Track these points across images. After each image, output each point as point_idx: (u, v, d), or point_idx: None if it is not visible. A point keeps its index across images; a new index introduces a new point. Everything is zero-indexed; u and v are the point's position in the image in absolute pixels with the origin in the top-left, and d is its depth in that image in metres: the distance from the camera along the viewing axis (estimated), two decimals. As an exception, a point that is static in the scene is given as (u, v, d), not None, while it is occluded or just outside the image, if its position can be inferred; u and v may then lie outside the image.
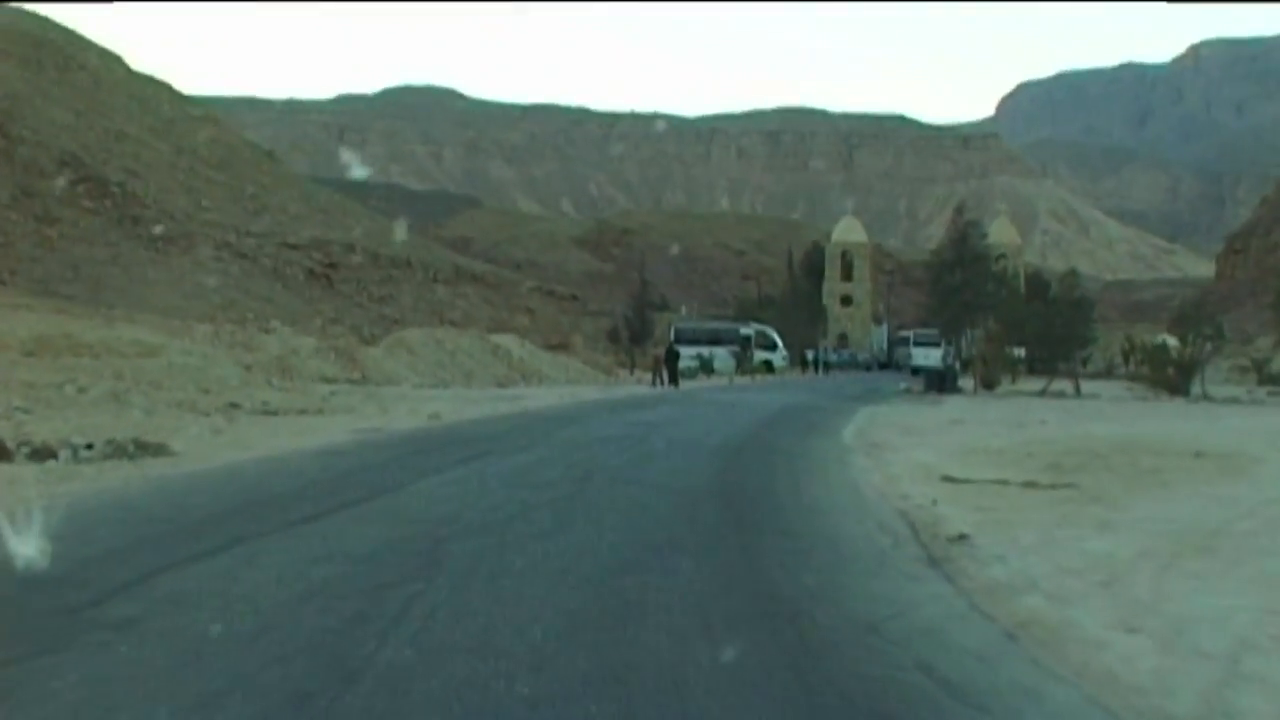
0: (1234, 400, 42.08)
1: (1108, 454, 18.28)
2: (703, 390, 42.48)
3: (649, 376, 46.36)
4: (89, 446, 14.77)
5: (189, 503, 10.73)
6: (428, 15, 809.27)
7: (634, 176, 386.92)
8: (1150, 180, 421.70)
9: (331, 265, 52.89)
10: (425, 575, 7.45)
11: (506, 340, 47.34)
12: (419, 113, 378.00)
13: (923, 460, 18.18)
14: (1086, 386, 47.16)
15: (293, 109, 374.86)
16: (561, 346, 56.71)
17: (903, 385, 50.98)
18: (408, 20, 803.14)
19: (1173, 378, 47.00)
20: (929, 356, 77.21)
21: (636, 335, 79.62)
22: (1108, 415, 31.48)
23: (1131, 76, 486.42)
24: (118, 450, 14.67)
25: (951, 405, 36.31)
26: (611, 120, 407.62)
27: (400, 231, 62.80)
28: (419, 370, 40.35)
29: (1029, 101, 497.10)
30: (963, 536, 10.50)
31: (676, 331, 70.40)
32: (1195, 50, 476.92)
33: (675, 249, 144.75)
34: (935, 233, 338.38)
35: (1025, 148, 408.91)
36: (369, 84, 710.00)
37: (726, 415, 27.67)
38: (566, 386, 42.37)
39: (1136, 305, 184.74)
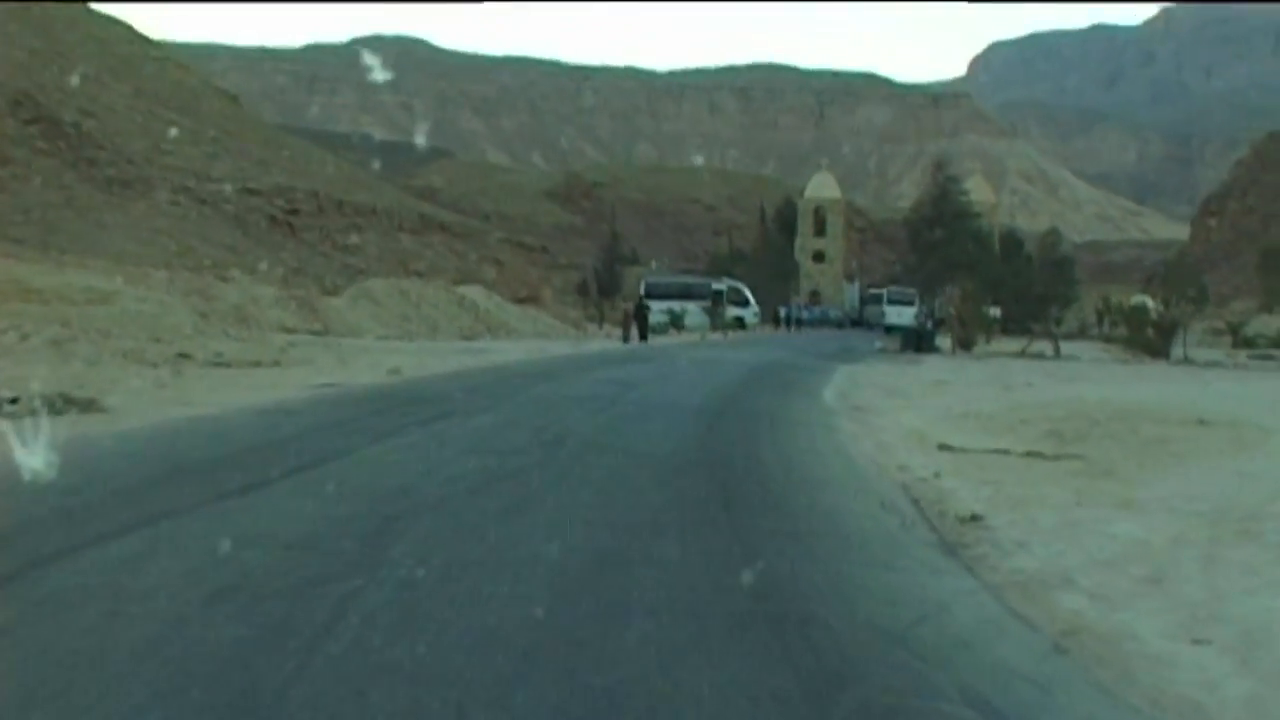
0: (1216, 364, 41.31)
1: (1106, 421, 17.24)
2: (675, 347, 41.36)
3: (619, 331, 45.14)
4: (13, 401, 13.51)
5: (104, 470, 9.47)
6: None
7: (605, 130, 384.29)
8: (1119, 142, 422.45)
9: (294, 212, 51.14)
10: (367, 567, 6.27)
11: (473, 292, 46.01)
12: (389, 63, 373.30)
13: (912, 425, 17.16)
14: (1064, 348, 46.28)
15: (262, 57, 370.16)
16: (530, 299, 55.40)
17: (878, 344, 50.05)
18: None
19: (1153, 340, 46.26)
20: (902, 315, 76.34)
21: (606, 289, 78.38)
22: (1093, 378, 30.56)
23: (1102, 38, 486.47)
24: (46, 405, 13.40)
25: (931, 365, 35.36)
26: (583, 73, 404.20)
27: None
28: (383, 322, 39.05)
29: (1000, 62, 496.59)
30: (975, 517, 9.43)
31: (647, 286, 69.12)
32: (1166, 13, 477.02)
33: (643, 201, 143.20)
34: (906, 191, 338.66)
35: (996, 108, 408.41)
36: (339, 33, 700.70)
37: (702, 374, 26.55)
38: (534, 340, 41.18)
39: (1106, 266, 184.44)
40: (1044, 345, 44.39)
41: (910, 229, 45.50)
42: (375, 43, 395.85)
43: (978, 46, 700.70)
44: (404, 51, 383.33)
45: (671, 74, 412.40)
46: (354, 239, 52.22)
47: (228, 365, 23.05)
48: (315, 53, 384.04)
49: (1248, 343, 58.70)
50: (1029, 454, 13.79)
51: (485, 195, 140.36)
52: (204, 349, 25.13)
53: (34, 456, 8.11)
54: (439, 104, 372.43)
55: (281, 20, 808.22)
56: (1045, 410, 19.12)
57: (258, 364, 23.77)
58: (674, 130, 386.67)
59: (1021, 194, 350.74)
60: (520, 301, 52.00)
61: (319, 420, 13.77)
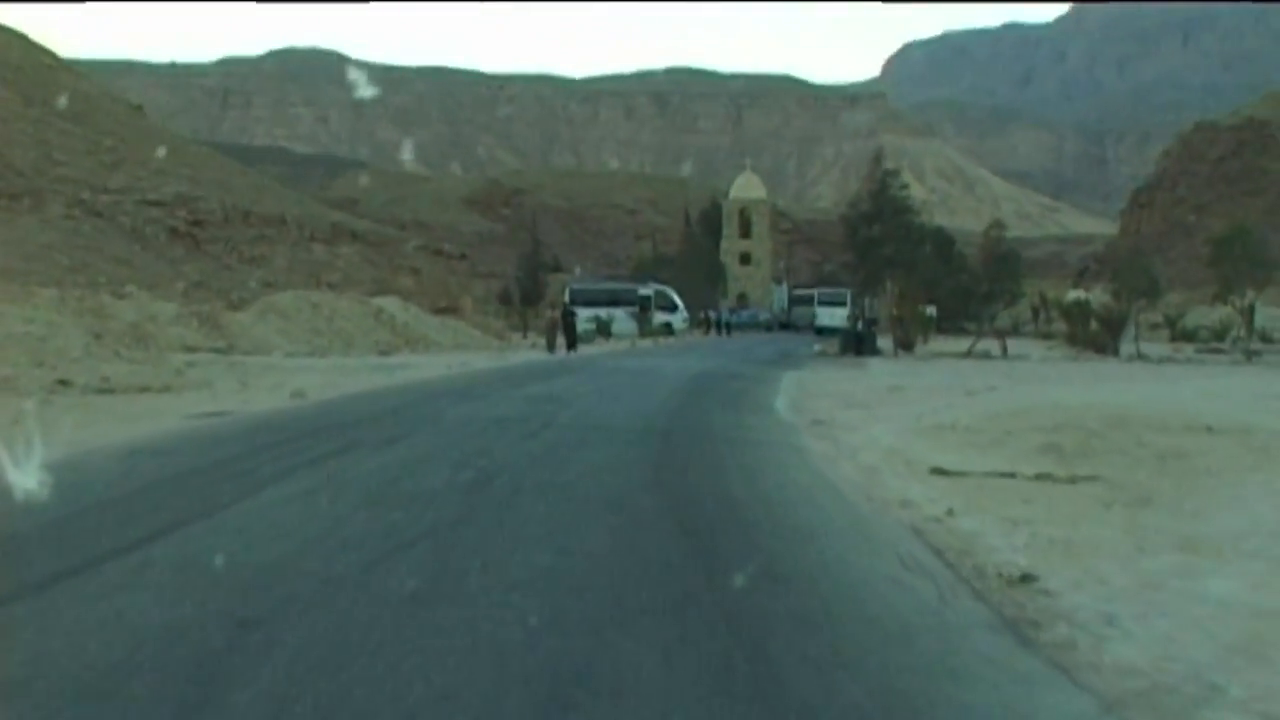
0: (1169, 359, 39.95)
1: (1103, 430, 15.32)
2: (604, 356, 39.05)
3: (544, 341, 42.72)
4: None
5: None
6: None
7: (522, 138, 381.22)
8: (1034, 139, 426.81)
9: (197, 224, 47.99)
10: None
11: (389, 303, 43.39)
12: (304, 76, 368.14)
13: (888, 442, 15.10)
14: (1011, 346, 44.64)
15: (176, 72, 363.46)
16: (450, 310, 52.73)
17: (816, 347, 48.18)
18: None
19: (1102, 335, 44.91)
20: (834, 316, 74.71)
21: (529, 297, 75.84)
22: (1053, 378, 28.81)
23: (1015, 37, 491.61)
24: None
25: (877, 369, 33.45)
26: (499, 81, 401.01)
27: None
28: (292, 337, 36.41)
29: (914, 62, 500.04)
30: (1027, 577, 7.28)
31: (572, 293, 66.81)
32: (1076, 11, 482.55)
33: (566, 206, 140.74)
34: (825, 192, 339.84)
35: (911, 107, 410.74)
36: (253, 46, 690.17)
37: (639, 386, 24.32)
38: (455, 353, 38.73)
39: (1029, 263, 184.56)
40: (990, 344, 42.67)
41: (847, 225, 43.35)
42: (289, 55, 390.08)
43: (892, 47, 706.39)
44: (319, 64, 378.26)
45: (588, 80, 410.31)
46: (262, 250, 49.22)
47: (112, 391, 20.56)
48: (230, 66, 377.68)
49: (1187, 336, 57.64)
50: (1039, 477, 11.76)
51: (404, 204, 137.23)
52: (90, 373, 22.56)
53: None
54: (355, 115, 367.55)
55: (195, 35, 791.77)
56: (1027, 419, 17.18)
57: (146, 389, 21.28)
58: (592, 136, 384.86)
59: (940, 192, 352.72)
60: (440, 312, 49.38)
61: (189, 463, 11.35)
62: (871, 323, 76.95)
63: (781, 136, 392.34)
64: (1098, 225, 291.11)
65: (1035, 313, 68.66)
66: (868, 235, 43.01)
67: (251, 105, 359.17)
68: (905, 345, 43.25)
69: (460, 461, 11.49)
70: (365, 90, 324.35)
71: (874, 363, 37.22)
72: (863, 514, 9.50)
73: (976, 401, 21.50)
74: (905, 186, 44.35)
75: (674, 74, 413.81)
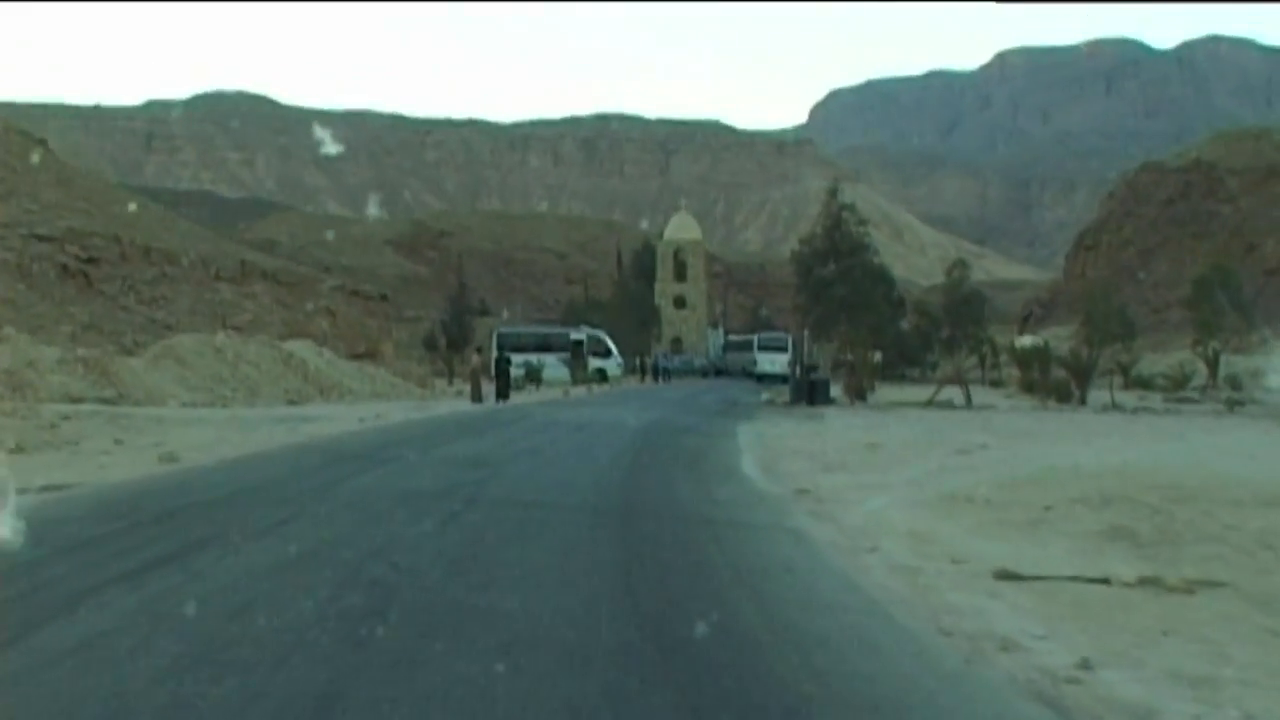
0: (1143, 409, 37.33)
1: (1164, 506, 12.37)
2: (536, 406, 35.58)
3: (469, 389, 39.09)
4: None
5: None
6: (238, 19, 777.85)
7: (450, 183, 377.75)
8: (959, 185, 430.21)
9: (91, 261, 43.64)
10: None
11: (301, 348, 39.60)
12: (231, 119, 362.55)
13: (904, 522, 12.05)
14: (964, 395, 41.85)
15: (100, 115, 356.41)
16: (369, 355, 48.97)
17: (764, 395, 45.10)
18: (218, 25, 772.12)
19: (1065, 384, 42.38)
20: (775, 362, 71.79)
21: (455, 342, 72.23)
22: (1039, 433, 25.87)
23: (940, 84, 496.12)
24: None
25: (837, 421, 30.37)
26: (426, 126, 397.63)
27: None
28: (190, 385, 32.67)
29: (840, 108, 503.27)
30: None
31: (500, 337, 63.08)
32: (1001, 58, 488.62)
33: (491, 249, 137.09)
34: (753, 237, 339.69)
35: (838, 153, 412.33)
36: (179, 89, 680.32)
37: (581, 444, 21.00)
38: (373, 403, 35.19)
39: (921, 314, 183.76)
40: (951, 393, 39.85)
41: (799, 264, 40.04)
42: (216, 99, 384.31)
43: (818, 94, 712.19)
44: (247, 107, 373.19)
45: (515, 125, 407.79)
46: (163, 290, 45.01)
47: (-56, 454, 16.93)
48: (155, 109, 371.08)
49: (1142, 383, 55.33)
50: (1143, 583, 8.66)
51: (325, 246, 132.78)
52: (-62, 429, 19.06)
53: None
54: (281, 159, 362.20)
55: (119, 78, 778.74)
56: (1055, 488, 14.25)
57: (-3, 448, 17.68)
58: (519, 182, 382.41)
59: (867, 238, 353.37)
60: (358, 357, 45.62)
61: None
62: (811, 369, 74.24)
63: (709, 182, 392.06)
64: (1023, 272, 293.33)
65: (982, 359, 66.27)
66: (820, 275, 39.94)
67: (177, 149, 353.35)
68: (858, 394, 40.34)
69: (348, 570, 8.16)
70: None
71: (830, 414, 34.14)
72: (952, 668, 6.25)
73: (975, 463, 18.49)
74: (863, 223, 41.37)
75: (602, 120, 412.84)
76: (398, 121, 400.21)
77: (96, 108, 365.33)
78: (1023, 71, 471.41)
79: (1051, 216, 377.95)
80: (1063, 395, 43.05)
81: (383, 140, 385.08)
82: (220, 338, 36.44)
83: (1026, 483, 15.39)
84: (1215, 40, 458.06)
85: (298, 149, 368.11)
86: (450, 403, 37.49)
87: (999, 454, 20.16)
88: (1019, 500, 13.51)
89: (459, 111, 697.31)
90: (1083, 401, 40.69)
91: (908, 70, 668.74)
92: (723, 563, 9.25)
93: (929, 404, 38.01)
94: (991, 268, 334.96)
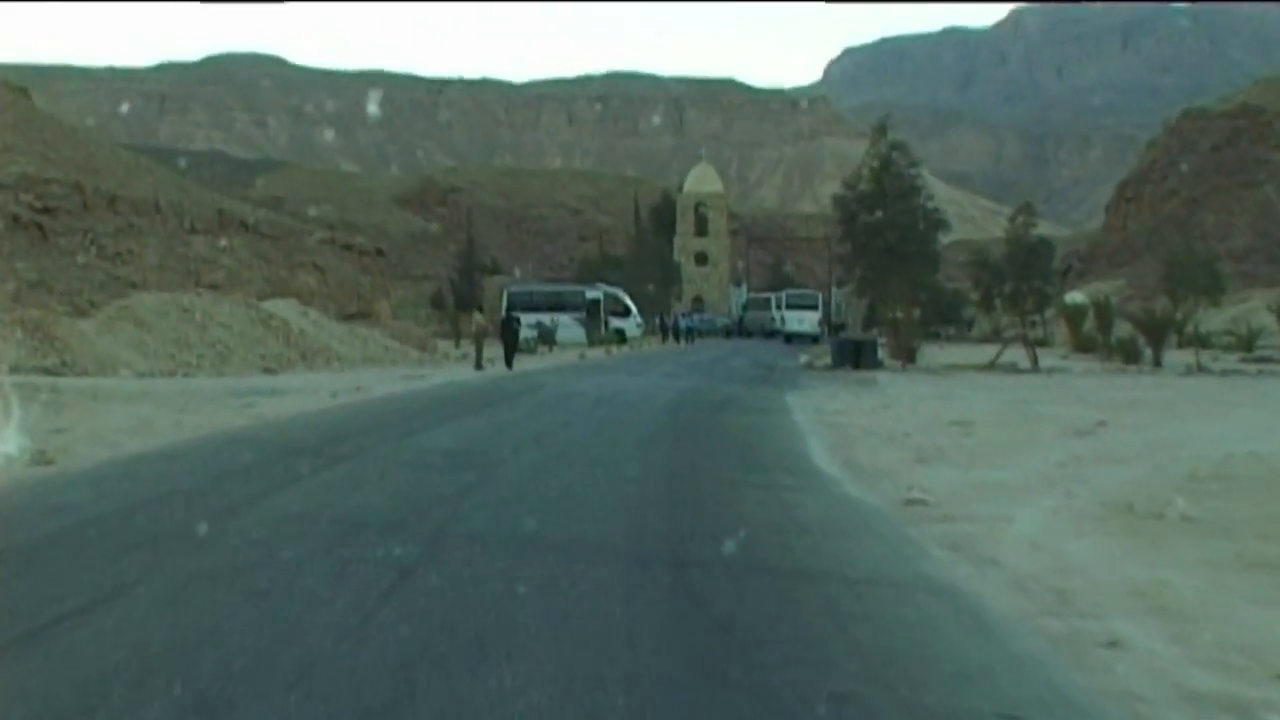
0: (1235, 371, 33.08)
1: None
2: (548, 373, 31.25)
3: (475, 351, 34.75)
4: None
5: None
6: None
7: (463, 143, 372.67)
8: (975, 142, 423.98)
9: (46, 211, 39.16)
10: None
11: (284, 308, 35.26)
12: (242, 80, 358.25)
13: (1106, 568, 7.85)
14: (1011, 355, 37.50)
15: (114, 77, 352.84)
16: (362, 315, 44.64)
17: (802, 358, 40.76)
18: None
19: (1130, 344, 38.20)
20: (804, 321, 67.59)
21: (464, 301, 67.89)
22: (1149, 405, 21.47)
23: (954, 41, 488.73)
24: None
25: (897, 389, 26.05)
26: (439, 85, 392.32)
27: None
28: (149, 352, 28.53)
29: (855, 66, 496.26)
30: None
31: (510, 297, 58.18)
32: (1016, 15, 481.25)
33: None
34: (768, 195, 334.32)
35: (852, 111, 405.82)
36: (191, 51, 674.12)
37: (599, 429, 16.69)
38: (363, 370, 31.05)
39: (981, 266, 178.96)
40: (1018, 355, 35.54)
41: (843, 210, 35.28)
42: (227, 60, 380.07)
43: (832, 51, 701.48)
44: (258, 68, 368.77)
45: (529, 84, 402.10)
46: (129, 244, 40.41)
47: None
48: (168, 71, 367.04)
49: (1201, 342, 51.03)
50: None
51: (331, 203, 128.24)
52: None
53: None
54: (294, 120, 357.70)
55: (132, 40, 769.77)
56: (1260, 490, 10.08)
57: None
58: (533, 141, 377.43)
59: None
60: (350, 318, 41.28)
61: None
62: (840, 327, 69.85)
63: (724, 140, 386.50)
64: (1041, 227, 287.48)
65: (1023, 316, 61.87)
66: (870, 222, 35.32)
67: (189, 110, 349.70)
68: (909, 356, 36.05)
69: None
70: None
71: (883, 380, 29.82)
72: None
73: (1111, 450, 14.31)
74: (915, 164, 36.68)
75: (615, 78, 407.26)
76: (409, 81, 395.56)
77: (110, 69, 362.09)
78: (1038, 28, 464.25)
79: (1067, 173, 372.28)
80: (1129, 356, 38.88)
81: (395, 100, 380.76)
82: (189, 297, 32.20)
83: (1214, 481, 11.27)
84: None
85: (309, 109, 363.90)
86: (452, 369, 33.23)
87: (1129, 435, 15.97)
88: (1236, 516, 9.37)
89: (471, 70, 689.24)
90: (1157, 363, 36.49)
91: (922, 27, 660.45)
92: (885, 703, 5.01)
93: (991, 366, 33.76)
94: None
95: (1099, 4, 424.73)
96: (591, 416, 18.08)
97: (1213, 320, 55.29)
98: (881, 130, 37.18)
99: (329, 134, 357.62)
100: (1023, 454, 14.18)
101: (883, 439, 15.72)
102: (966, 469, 12.86)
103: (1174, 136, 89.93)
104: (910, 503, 10.45)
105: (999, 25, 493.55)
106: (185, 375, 27.00)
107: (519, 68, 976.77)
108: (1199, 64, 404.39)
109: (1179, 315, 37.45)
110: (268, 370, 29.15)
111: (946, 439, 15.71)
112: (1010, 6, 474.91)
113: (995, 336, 69.51)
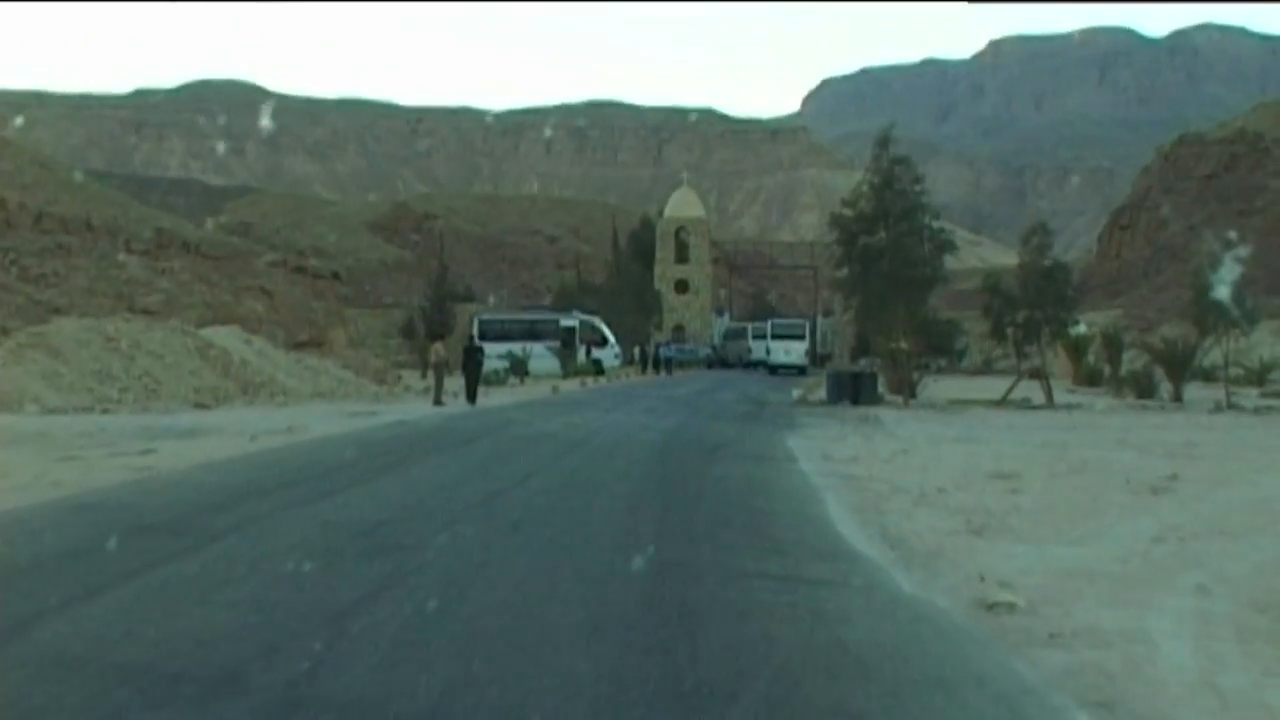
0: (1269, 409, 30.30)
1: None
2: (516, 409, 28.10)
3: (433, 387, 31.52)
4: None
5: None
6: (227, 7, 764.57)
7: (441, 171, 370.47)
8: (954, 173, 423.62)
9: (-39, 230, 36.07)
10: None
11: (225, 336, 32.08)
12: (219, 107, 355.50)
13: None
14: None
15: (89, 104, 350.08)
16: (315, 344, 41.36)
17: (795, 392, 37.73)
18: (207, 13, 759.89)
19: (1143, 379, 35.67)
20: (791, 352, 64.65)
21: (435, 330, 64.64)
22: (1204, 452, 18.53)
23: (933, 72, 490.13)
24: None
25: (907, 430, 23.01)
26: (417, 114, 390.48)
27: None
28: (64, 385, 25.34)
29: (833, 97, 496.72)
30: None
31: (481, 325, 54.72)
32: (994, 47, 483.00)
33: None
34: (747, 225, 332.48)
35: (831, 141, 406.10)
36: (168, 78, 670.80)
37: (569, 487, 13.56)
38: (309, 404, 27.93)
39: (958, 296, 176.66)
40: (1030, 388, 32.68)
41: (841, 231, 32.32)
42: (205, 87, 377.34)
43: (811, 82, 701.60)
44: (236, 95, 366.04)
45: (507, 114, 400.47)
46: (56, 265, 37.04)
47: None
48: (143, 98, 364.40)
49: (1204, 375, 48.53)
50: None
51: (302, 229, 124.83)
52: None
53: None
54: (271, 148, 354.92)
55: (108, 67, 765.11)
56: None
57: None
58: (512, 170, 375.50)
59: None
60: (300, 347, 38.14)
61: None
62: (826, 358, 66.84)
63: (702, 170, 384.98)
64: (1017, 258, 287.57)
65: (1017, 346, 58.93)
66: (871, 244, 32.41)
67: (165, 137, 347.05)
68: (911, 391, 33.07)
69: None
70: (266, 123, 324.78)
71: (887, 417, 26.82)
72: None
73: (1207, 515, 11.38)
74: (918, 181, 33.83)
75: (594, 107, 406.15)
76: (387, 109, 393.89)
77: (85, 96, 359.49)
78: (1016, 60, 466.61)
79: (1045, 205, 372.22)
80: (1143, 390, 36.14)
81: (373, 128, 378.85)
82: (115, 323, 28.99)
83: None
84: (1208, 28, 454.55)
85: (286, 137, 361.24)
86: (408, 405, 30.05)
87: (1216, 494, 13.10)
88: None
89: (450, 99, 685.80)
90: (1178, 398, 33.73)
91: (901, 59, 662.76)
92: None
93: (1001, 403, 30.86)
94: (987, 255, 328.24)
95: (1076, 36, 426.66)
96: (558, 468, 15.00)
97: (1213, 353, 52.70)
98: (883, 143, 34.25)
99: (306, 162, 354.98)
100: (1097, 520, 11.24)
101: (914, 498, 12.73)
102: (1038, 545, 9.89)
103: (1168, 163, 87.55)
104: (994, 607, 7.46)
105: (977, 57, 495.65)
106: (104, 411, 23.86)
107: (498, 97, 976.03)
108: (1176, 97, 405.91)
109: (1206, 346, 34.56)
110: (199, 405, 26.01)
111: (993, 498, 12.74)
112: (988, 38, 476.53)
113: (987, 368, 66.74)
